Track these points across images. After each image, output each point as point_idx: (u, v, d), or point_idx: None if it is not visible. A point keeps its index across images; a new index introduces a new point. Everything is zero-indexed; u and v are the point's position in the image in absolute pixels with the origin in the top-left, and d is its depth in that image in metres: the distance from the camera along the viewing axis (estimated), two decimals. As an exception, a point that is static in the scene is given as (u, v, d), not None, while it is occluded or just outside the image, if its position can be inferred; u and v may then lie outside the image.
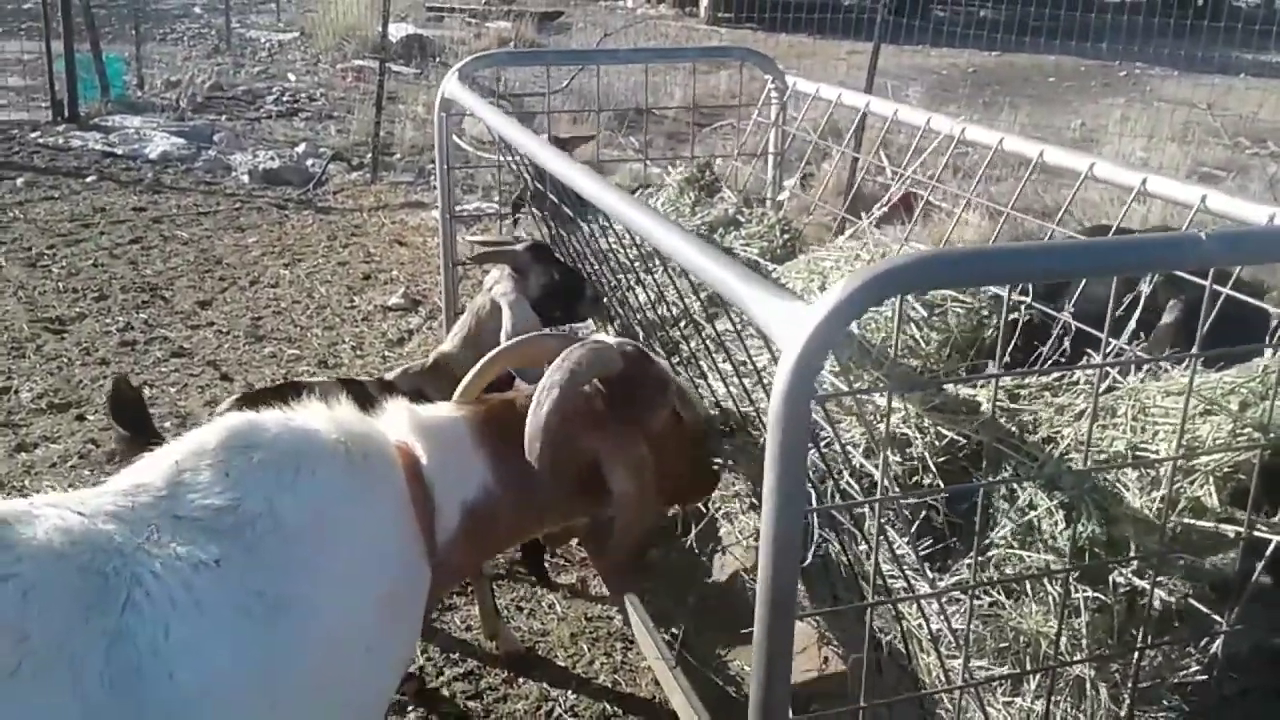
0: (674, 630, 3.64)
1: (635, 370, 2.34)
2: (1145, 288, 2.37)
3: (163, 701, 1.68)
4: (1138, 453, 2.12)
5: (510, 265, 3.56)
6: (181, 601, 1.73)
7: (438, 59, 14.93)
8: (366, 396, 3.25)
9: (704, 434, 2.61)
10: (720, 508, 3.12)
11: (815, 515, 2.36)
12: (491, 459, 2.21)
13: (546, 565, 4.25)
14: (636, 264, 3.40)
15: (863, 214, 3.59)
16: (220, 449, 1.93)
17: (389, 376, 3.46)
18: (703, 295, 3.21)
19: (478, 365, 2.49)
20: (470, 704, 3.59)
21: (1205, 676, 2.06)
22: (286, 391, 3.20)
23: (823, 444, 2.41)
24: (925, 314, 2.70)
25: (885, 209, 4.92)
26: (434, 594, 2.21)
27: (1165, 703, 2.03)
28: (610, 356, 2.28)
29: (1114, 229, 2.98)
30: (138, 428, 2.88)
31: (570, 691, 3.66)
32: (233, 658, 1.76)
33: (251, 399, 3.21)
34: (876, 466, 2.29)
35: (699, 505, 3.17)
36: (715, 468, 2.69)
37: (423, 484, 2.14)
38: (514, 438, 2.15)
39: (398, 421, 2.21)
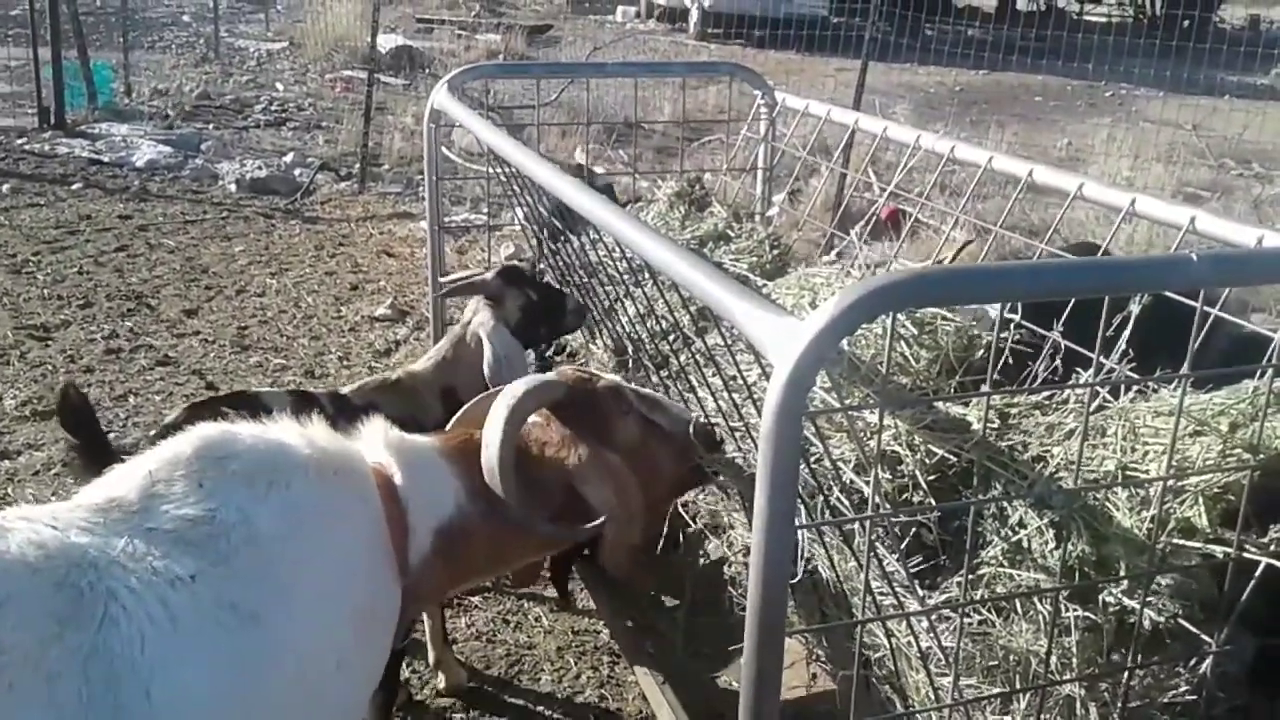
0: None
1: (581, 389, 2.44)
2: (1135, 308, 2.38)
3: (139, 717, 1.66)
4: (1128, 472, 2.12)
5: (484, 295, 3.54)
6: (158, 617, 1.72)
7: (427, 70, 14.96)
8: (318, 407, 3.25)
9: (691, 436, 2.64)
10: (710, 522, 3.11)
11: (805, 531, 2.36)
12: (467, 487, 2.23)
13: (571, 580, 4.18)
14: (626, 277, 3.40)
15: (851, 230, 3.60)
16: (195, 459, 1.92)
17: (344, 390, 3.45)
18: (692, 309, 3.21)
19: (463, 409, 2.57)
20: (455, 717, 3.57)
21: (1194, 697, 2.06)
22: (236, 401, 3.20)
23: (813, 460, 2.40)
24: (915, 331, 2.71)
25: (871, 224, 4.94)
26: (402, 616, 2.20)
27: (1155, 722, 2.03)
28: (550, 385, 2.37)
29: (1103, 249, 2.99)
30: (87, 434, 2.87)
31: (556, 706, 3.64)
32: (207, 672, 1.75)
33: (200, 408, 3.19)
34: (867, 483, 2.29)
35: (687, 520, 3.17)
36: (706, 467, 2.71)
37: (398, 504, 2.14)
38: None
39: (374, 441, 2.21)
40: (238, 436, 2.00)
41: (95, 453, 2.88)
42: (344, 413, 3.25)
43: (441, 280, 4.04)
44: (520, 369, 3.35)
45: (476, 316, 3.50)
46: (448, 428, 2.54)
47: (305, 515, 1.98)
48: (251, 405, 3.12)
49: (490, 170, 4.26)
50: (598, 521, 2.24)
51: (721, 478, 2.82)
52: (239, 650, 1.79)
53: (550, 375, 2.46)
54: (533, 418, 2.39)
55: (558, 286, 3.74)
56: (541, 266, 4.19)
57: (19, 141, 10.59)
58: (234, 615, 1.80)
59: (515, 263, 3.83)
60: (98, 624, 1.67)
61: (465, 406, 2.57)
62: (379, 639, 2.16)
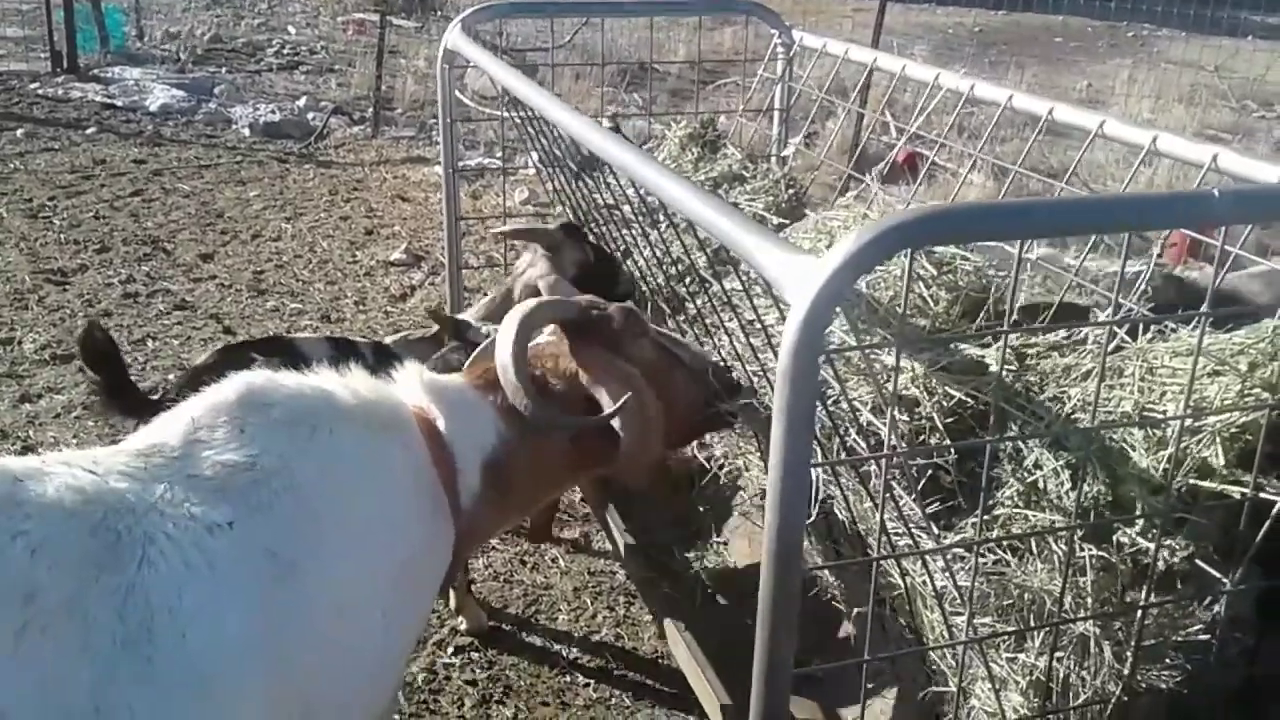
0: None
1: (594, 309, 2.46)
2: (1156, 249, 2.36)
3: (174, 661, 1.67)
4: (1145, 413, 2.11)
5: (543, 245, 3.52)
6: (195, 563, 1.72)
7: (438, 12, 14.82)
8: (358, 357, 3.26)
9: (706, 372, 2.65)
10: (725, 465, 3.12)
11: (821, 471, 2.36)
12: (501, 415, 2.24)
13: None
14: (642, 218, 3.38)
15: (867, 173, 3.57)
16: (238, 405, 1.92)
17: (387, 340, 3.45)
18: (708, 251, 3.19)
19: (479, 347, 2.58)
20: (474, 654, 3.62)
21: (1208, 636, 2.07)
22: (272, 345, 3.22)
23: (829, 401, 2.40)
24: (934, 272, 2.69)
25: (888, 167, 4.90)
26: (459, 555, 2.22)
27: (1169, 660, 2.04)
28: (564, 303, 2.43)
29: (1124, 188, 2.96)
30: (110, 371, 2.89)
31: (573, 645, 3.68)
32: (244, 618, 1.75)
33: (233, 351, 3.21)
34: (884, 424, 2.29)
35: (702, 460, 3.19)
36: (724, 410, 2.72)
37: (443, 445, 2.15)
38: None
39: (410, 386, 2.22)
40: (281, 384, 2.01)
41: (118, 389, 2.90)
42: (385, 362, 3.26)
43: (500, 230, 4.00)
44: None
45: (533, 269, 3.48)
46: (467, 364, 2.55)
47: (348, 464, 1.98)
48: (286, 351, 3.14)
49: (505, 114, 4.22)
50: (613, 408, 2.24)
51: (739, 421, 2.82)
52: (276, 598, 1.79)
53: (563, 296, 2.48)
54: (549, 338, 2.42)
55: (615, 259, 3.68)
56: (559, 209, 4.17)
57: (32, 86, 10.56)
58: (273, 563, 1.81)
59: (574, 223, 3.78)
60: (135, 566, 1.68)
61: (481, 346, 2.58)
62: (427, 587, 2.18)
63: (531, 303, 2.34)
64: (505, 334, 2.24)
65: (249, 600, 1.77)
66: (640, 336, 2.53)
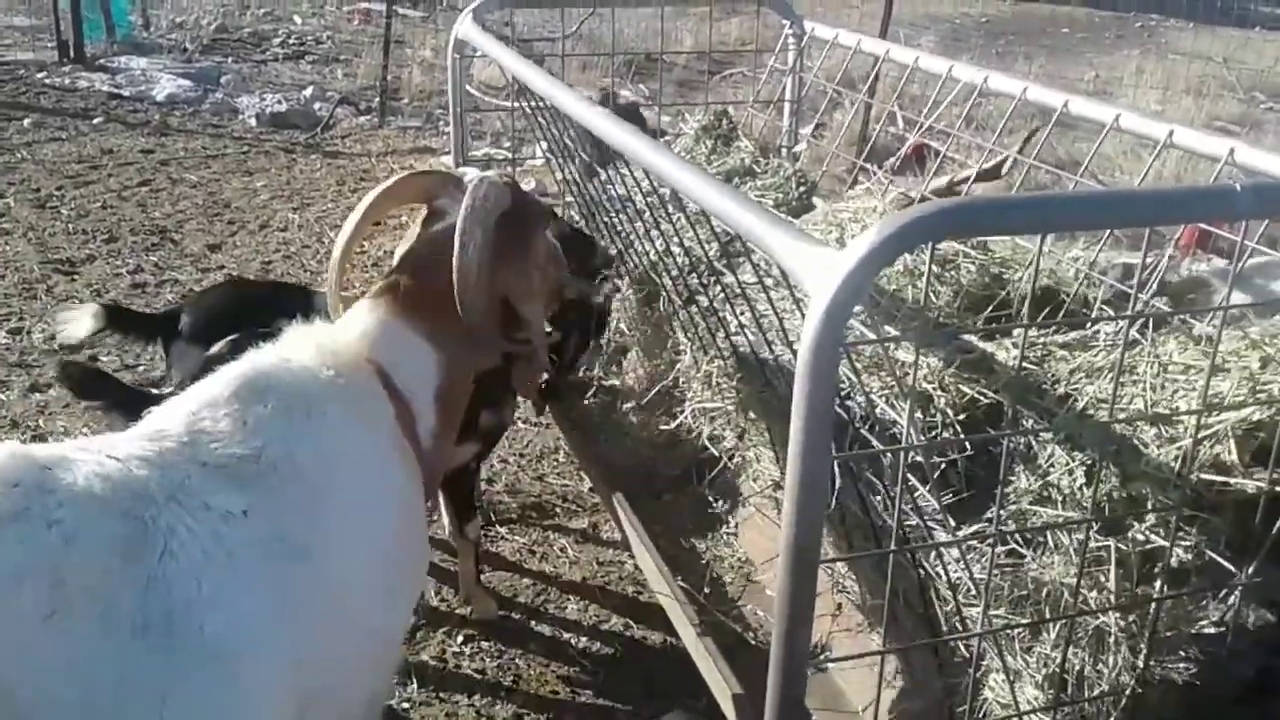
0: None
1: (520, 201, 2.35)
2: (1171, 244, 2.36)
3: (192, 650, 1.69)
4: (1157, 411, 2.11)
5: None
6: (213, 553, 1.74)
7: (444, 2, 14.78)
8: None
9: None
10: (735, 457, 3.13)
11: (837, 464, 2.37)
12: (433, 344, 2.23)
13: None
14: (656, 210, 3.38)
15: (874, 166, 3.57)
16: (234, 399, 1.95)
17: None
18: (719, 243, 3.19)
19: (354, 214, 2.56)
20: (484, 644, 3.62)
21: (1221, 628, 2.07)
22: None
23: (842, 394, 2.41)
24: (938, 269, 2.70)
25: (899, 162, 4.89)
26: (428, 492, 2.25)
27: (1183, 652, 2.05)
28: (503, 192, 2.27)
29: (1139, 182, 2.96)
30: (111, 394, 2.88)
31: (582, 635, 3.69)
32: (259, 605, 1.77)
33: (247, 340, 3.21)
34: (899, 416, 2.30)
35: (713, 452, 3.19)
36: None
37: (401, 399, 2.18)
38: (432, 305, 2.20)
39: (360, 337, 2.19)
40: (269, 371, 2.03)
41: (129, 404, 2.90)
42: None
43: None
44: None
45: None
46: (339, 243, 2.55)
47: (342, 445, 2.02)
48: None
49: (514, 104, 4.22)
50: (552, 338, 2.24)
51: (750, 413, 2.83)
52: (291, 582, 1.82)
53: (493, 177, 2.32)
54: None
55: (584, 231, 3.71)
56: (568, 199, 4.17)
57: (39, 75, 10.54)
58: (286, 548, 1.83)
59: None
60: (157, 556, 1.70)
61: (380, 191, 2.52)
62: (419, 548, 2.24)
63: (489, 191, 2.21)
64: (470, 236, 2.14)
65: (266, 586, 1.80)
66: (543, 232, 2.47)
